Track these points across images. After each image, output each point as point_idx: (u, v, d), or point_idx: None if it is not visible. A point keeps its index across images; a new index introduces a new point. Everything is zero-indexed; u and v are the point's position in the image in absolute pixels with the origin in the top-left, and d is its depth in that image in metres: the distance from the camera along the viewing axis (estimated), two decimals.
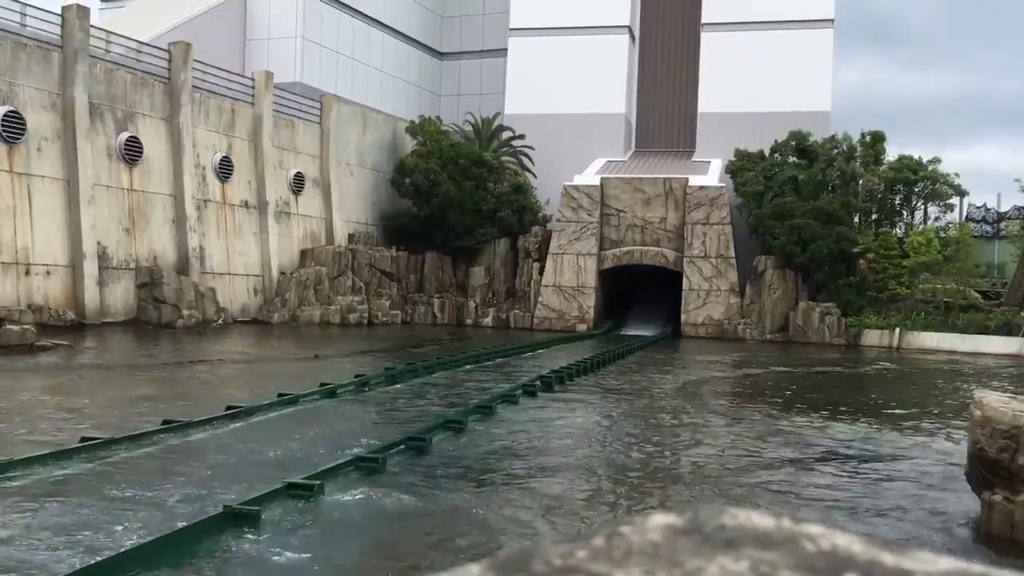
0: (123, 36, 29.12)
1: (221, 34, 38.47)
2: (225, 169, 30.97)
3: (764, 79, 41.17)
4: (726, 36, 42.36)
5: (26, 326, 19.46)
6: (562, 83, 43.36)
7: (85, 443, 9.08)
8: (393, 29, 46.63)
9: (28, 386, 14.18)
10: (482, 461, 9.81)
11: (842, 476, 9.77)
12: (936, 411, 15.81)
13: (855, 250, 33.93)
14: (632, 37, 44.61)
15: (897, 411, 15.55)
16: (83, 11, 26.06)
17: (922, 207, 37.60)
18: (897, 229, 36.77)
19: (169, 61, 29.28)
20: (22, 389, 13.75)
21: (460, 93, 50.32)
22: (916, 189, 36.62)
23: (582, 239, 36.30)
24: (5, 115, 23.60)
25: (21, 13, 25.47)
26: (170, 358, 19.38)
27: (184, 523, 6.44)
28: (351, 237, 36.74)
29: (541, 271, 36.74)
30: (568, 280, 36.15)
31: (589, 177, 38.03)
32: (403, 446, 9.82)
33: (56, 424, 10.78)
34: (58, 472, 8.22)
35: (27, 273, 24.09)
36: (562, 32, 44.10)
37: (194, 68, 29.82)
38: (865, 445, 11.72)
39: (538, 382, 16.05)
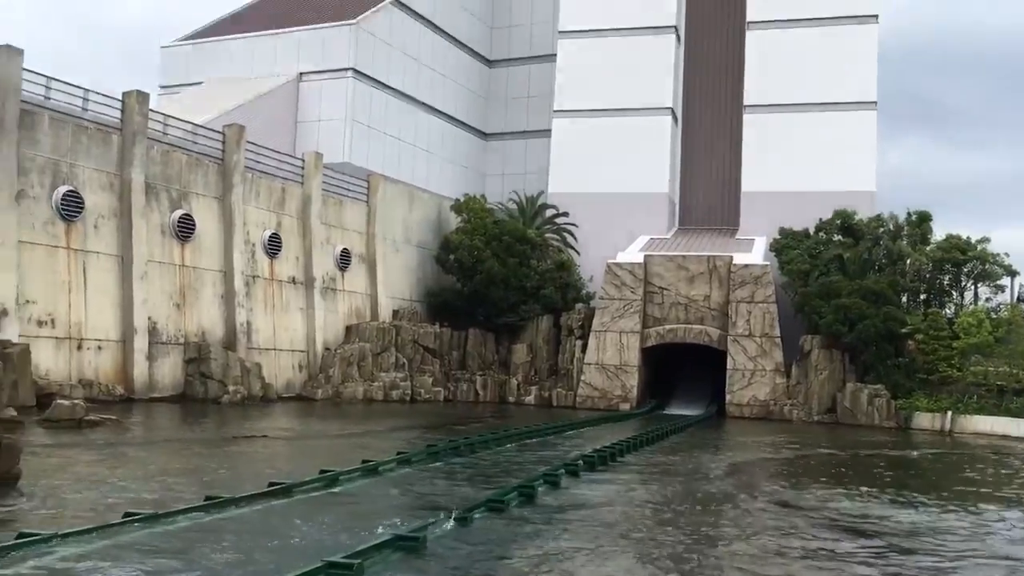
0: (180, 119, 30.13)
1: (273, 116, 39.61)
2: (274, 245, 31.56)
3: (807, 159, 41.29)
4: (768, 117, 42.74)
5: (76, 401, 19.76)
6: (605, 162, 43.88)
7: (128, 518, 9.16)
8: (439, 111, 47.66)
9: (76, 461, 14.35)
10: (523, 543, 9.66)
11: (899, 562, 9.46)
12: (997, 494, 15.30)
13: (903, 330, 33.36)
14: (675, 118, 45.12)
15: (956, 495, 15.07)
16: (143, 96, 27.05)
17: (972, 287, 37.00)
18: (947, 309, 36.15)
19: (223, 143, 30.17)
20: (70, 464, 13.92)
21: (504, 172, 51.04)
22: (965, 269, 36.10)
23: (625, 317, 36.20)
24: (65, 195, 24.40)
25: (84, 98, 26.49)
26: (215, 434, 19.51)
27: None
28: (395, 313, 37.02)
29: (584, 349, 36.59)
30: (611, 358, 35.94)
31: (632, 255, 38.10)
32: (445, 525, 9.72)
33: (100, 499, 10.87)
34: (102, 544, 8.26)
35: (79, 348, 24.57)
36: (605, 113, 44.80)
37: (247, 149, 30.69)
38: (924, 530, 11.36)
39: (580, 462, 15.86)
